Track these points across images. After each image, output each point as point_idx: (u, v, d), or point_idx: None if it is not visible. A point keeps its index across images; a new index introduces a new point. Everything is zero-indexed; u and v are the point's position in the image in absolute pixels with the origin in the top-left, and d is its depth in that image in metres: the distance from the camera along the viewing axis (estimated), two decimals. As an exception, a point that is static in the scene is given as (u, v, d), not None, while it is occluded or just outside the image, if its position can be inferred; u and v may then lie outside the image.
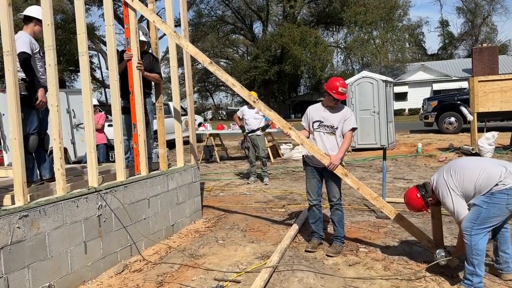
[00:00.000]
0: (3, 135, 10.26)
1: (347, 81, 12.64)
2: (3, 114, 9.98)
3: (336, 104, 4.37)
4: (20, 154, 3.38)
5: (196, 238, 5.02)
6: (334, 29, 40.08)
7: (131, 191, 4.54)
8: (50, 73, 3.74)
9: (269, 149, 11.27)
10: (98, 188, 4.09)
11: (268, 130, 9.55)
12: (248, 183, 8.57)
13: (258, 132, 8.48)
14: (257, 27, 42.52)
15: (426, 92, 33.35)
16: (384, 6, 32.29)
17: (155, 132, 5.68)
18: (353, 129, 4.40)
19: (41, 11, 3.85)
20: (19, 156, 3.37)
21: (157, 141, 5.67)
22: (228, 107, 59.58)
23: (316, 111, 4.49)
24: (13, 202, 3.44)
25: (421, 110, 18.98)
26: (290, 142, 13.23)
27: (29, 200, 3.46)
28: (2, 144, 10.41)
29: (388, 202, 4.78)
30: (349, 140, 4.35)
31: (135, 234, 4.51)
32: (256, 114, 8.34)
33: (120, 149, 4.58)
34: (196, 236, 5.13)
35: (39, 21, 4.28)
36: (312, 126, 4.45)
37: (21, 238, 3.22)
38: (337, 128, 4.35)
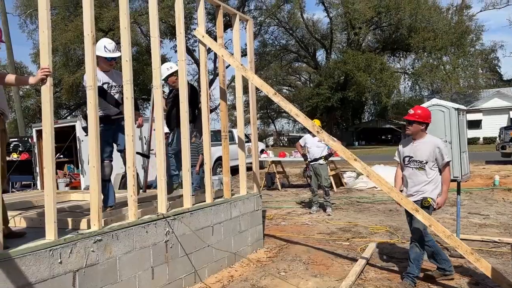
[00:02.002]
0: (81, 159, 11.07)
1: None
2: (82, 140, 10.80)
3: (417, 132, 4.22)
4: (97, 181, 3.61)
5: (258, 268, 4.99)
6: (401, 55, 39.10)
7: (196, 218, 4.66)
8: (127, 106, 4.00)
9: (332, 178, 11.06)
10: (166, 214, 4.25)
11: (331, 158, 9.40)
12: (310, 212, 8.44)
13: (321, 161, 8.38)
14: (320, 55, 42.65)
15: (502, 120, 31.17)
16: (455, 31, 31.07)
17: (219, 158, 5.86)
18: (448, 163, 4.18)
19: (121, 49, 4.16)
20: (96, 183, 3.60)
21: (220, 168, 5.80)
22: (290, 134, 59.71)
23: (406, 145, 4.37)
24: (88, 226, 3.65)
25: (497, 139, 17.73)
26: (354, 171, 12.90)
27: (103, 225, 3.66)
28: (80, 168, 11.23)
29: (463, 239, 4.46)
30: (448, 175, 4.17)
31: (199, 261, 4.59)
32: (318, 143, 8.27)
33: (188, 177, 4.74)
34: (258, 266, 5.11)
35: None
36: (403, 161, 4.36)
37: (94, 262, 3.41)
38: (426, 162, 4.17)
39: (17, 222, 4.07)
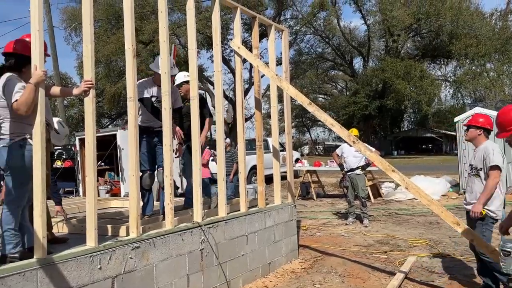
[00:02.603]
0: (121, 167, 11.43)
1: (457, 118, 11.78)
2: (122, 149, 11.15)
3: (475, 138, 4.10)
4: (136, 189, 3.71)
5: (292, 280, 4.95)
6: (442, 62, 37.96)
7: (230, 227, 4.69)
8: (165, 116, 4.11)
9: (369, 188, 10.83)
10: (202, 223, 4.30)
11: (368, 168, 9.22)
12: (346, 223, 8.29)
13: (358, 171, 8.24)
14: (357, 62, 42.05)
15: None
16: (499, 37, 29.84)
17: (254, 166, 5.85)
18: (495, 168, 3.83)
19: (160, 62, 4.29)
20: (135, 192, 3.70)
21: (255, 176, 5.82)
22: (326, 142, 59.10)
23: (472, 154, 4.31)
24: (127, 233, 3.75)
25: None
26: (393, 181, 12.58)
27: (141, 232, 3.75)
28: (120, 175, 11.59)
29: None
30: (491, 183, 3.82)
31: (233, 270, 4.61)
32: (356, 152, 8.14)
33: (223, 186, 4.79)
34: (292, 277, 5.06)
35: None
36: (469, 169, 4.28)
37: (132, 268, 3.50)
38: (480, 169, 4.00)
39: (60, 228, 4.25)
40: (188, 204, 4.91)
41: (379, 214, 9.25)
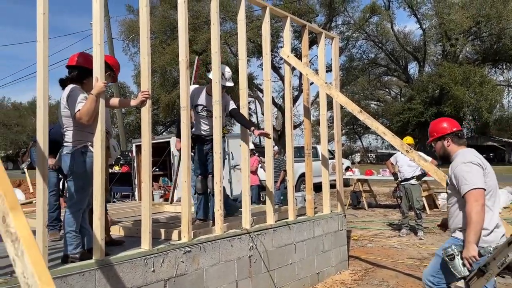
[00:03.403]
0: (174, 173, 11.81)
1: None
2: (176, 155, 11.52)
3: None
4: (188, 195, 3.84)
5: (342, 290, 4.86)
6: (504, 67, 35.81)
7: (279, 235, 4.70)
8: (216, 124, 4.22)
9: (424, 199, 10.40)
10: (250, 229, 4.36)
11: (424, 178, 8.86)
12: (399, 235, 8.01)
13: (413, 181, 7.95)
14: (412, 68, 40.68)
15: None
16: None
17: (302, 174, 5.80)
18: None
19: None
20: (187, 197, 3.83)
21: (304, 184, 5.79)
22: (378, 150, 57.47)
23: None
24: (179, 238, 3.87)
25: None
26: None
27: (192, 237, 3.86)
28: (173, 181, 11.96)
29: None
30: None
31: (281, 278, 4.61)
32: (410, 161, 7.85)
33: (272, 193, 4.82)
34: (342, 288, 4.98)
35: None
36: None
37: (183, 272, 3.61)
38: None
39: (117, 231, 4.47)
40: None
41: (434, 227, 8.84)
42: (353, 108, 4.71)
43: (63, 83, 3.43)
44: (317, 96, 27.73)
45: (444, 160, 3.20)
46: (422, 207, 9.08)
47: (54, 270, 2.83)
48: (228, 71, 4.66)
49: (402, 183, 8.05)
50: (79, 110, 3.19)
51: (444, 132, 3.12)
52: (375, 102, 48.97)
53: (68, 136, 3.31)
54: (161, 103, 29.83)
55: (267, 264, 4.44)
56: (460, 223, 2.93)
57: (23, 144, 48.17)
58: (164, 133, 33.81)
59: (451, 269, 2.82)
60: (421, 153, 6.67)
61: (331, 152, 12.18)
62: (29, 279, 1.26)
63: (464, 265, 2.76)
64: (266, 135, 4.61)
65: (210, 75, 4.79)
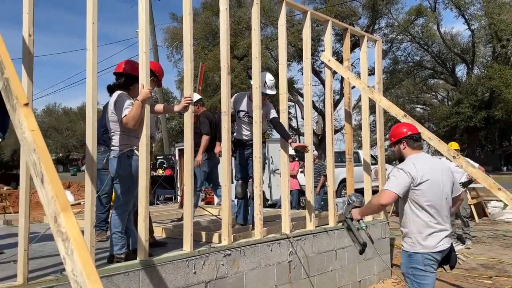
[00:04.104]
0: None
1: None
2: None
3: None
4: (228, 199, 3.89)
5: (384, 299, 4.74)
6: (562, 68, 33.62)
7: (319, 241, 4.65)
8: (256, 129, 4.25)
9: (472, 207, 9.93)
10: (290, 234, 4.34)
11: (472, 185, 8.46)
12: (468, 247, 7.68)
13: (459, 188, 7.61)
14: (460, 70, 38.98)
15: None
16: None
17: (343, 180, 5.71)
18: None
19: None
20: (227, 201, 3.88)
21: (345, 190, 5.71)
22: (424, 156, 55.51)
23: None
24: (219, 241, 3.93)
25: None
26: (501, 200, 11.39)
27: (232, 240, 3.90)
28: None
29: None
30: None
31: (322, 285, 4.56)
32: (456, 167, 7.53)
33: (311, 198, 4.78)
34: (384, 297, 4.84)
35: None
36: None
37: (224, 275, 3.65)
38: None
39: (160, 232, 4.59)
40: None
41: (483, 236, 8.43)
42: (397, 112, 4.60)
43: (111, 89, 3.59)
44: (359, 100, 27.27)
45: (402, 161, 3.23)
46: (470, 215, 8.67)
47: (101, 270, 2.95)
48: (270, 79, 4.67)
49: (448, 190, 7.72)
50: (125, 115, 3.32)
51: (400, 135, 3.21)
52: (421, 106, 47.38)
53: (115, 140, 3.45)
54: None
55: (307, 270, 4.40)
56: (403, 224, 3.14)
57: (73, 147, 50.55)
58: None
59: (344, 210, 3.43)
60: (469, 160, 6.39)
61: (374, 158, 11.91)
62: (78, 277, 1.32)
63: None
64: (304, 148, 4.60)
65: (252, 81, 4.83)
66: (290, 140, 4.54)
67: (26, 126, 1.61)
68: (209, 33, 28.10)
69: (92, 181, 3.04)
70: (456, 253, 3.14)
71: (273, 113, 4.69)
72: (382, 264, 5.55)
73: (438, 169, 3.03)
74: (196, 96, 5.39)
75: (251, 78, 4.57)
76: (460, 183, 7.55)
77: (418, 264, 2.95)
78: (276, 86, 4.75)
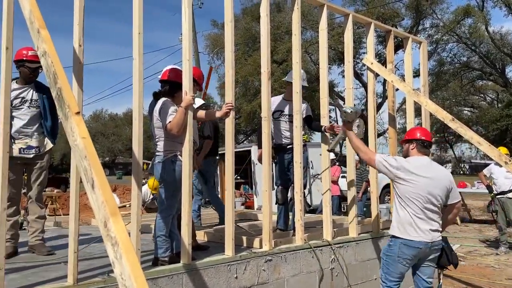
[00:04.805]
0: (255, 181, 12.02)
1: None
2: (256, 164, 11.73)
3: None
4: (269, 204, 3.88)
5: (431, 311, 4.54)
6: None
7: (362, 248, 4.55)
8: (297, 134, 4.22)
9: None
10: (332, 241, 4.27)
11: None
12: (497, 253, 7.31)
13: (510, 195, 7.23)
14: (511, 71, 37.12)
15: None
16: None
17: (387, 185, 5.53)
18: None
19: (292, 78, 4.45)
20: (268, 207, 3.87)
21: (388, 196, 5.54)
22: (472, 160, 53.09)
23: None
24: (260, 246, 3.92)
25: None
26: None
27: (273, 246, 3.89)
28: (254, 189, 12.19)
29: None
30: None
31: (364, 293, 4.45)
32: (507, 173, 7.16)
33: (354, 204, 4.69)
34: (431, 308, 4.65)
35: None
36: None
37: (265, 280, 3.64)
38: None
39: (201, 236, 4.65)
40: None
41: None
42: (444, 116, 4.43)
43: (157, 96, 3.70)
44: (403, 103, 26.56)
45: None
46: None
47: (146, 272, 3.02)
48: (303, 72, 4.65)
49: (498, 197, 7.38)
50: (170, 121, 3.40)
51: (413, 137, 3.60)
52: (468, 109, 45.42)
53: (160, 146, 3.54)
54: (243, 113, 30.63)
55: (349, 278, 4.31)
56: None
57: (118, 151, 52.36)
58: (245, 142, 34.59)
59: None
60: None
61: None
62: (126, 281, 1.36)
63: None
64: (334, 129, 4.49)
65: (286, 78, 4.79)
66: (323, 127, 4.56)
67: (77, 134, 1.69)
68: (249, 39, 28.33)
69: (138, 185, 3.13)
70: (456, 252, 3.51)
71: (307, 112, 4.75)
72: (429, 273, 5.34)
73: (430, 173, 3.36)
74: (199, 101, 5.45)
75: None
76: (510, 189, 7.19)
77: (389, 251, 3.45)
78: (317, 88, 4.74)
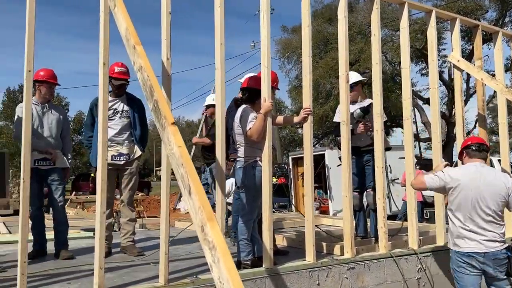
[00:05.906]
0: (329, 186, 11.82)
1: None
2: (330, 168, 11.53)
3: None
4: (349, 210, 3.78)
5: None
6: None
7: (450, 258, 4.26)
8: (378, 138, 4.08)
9: None
10: (418, 250, 4.06)
11: None
12: None
13: None
14: None
15: None
16: None
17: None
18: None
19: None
20: (349, 213, 3.78)
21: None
22: None
23: None
24: (341, 253, 3.84)
25: None
26: None
27: (355, 254, 3.78)
28: (328, 193, 11.99)
29: None
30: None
31: (455, 306, 4.16)
32: None
33: (441, 211, 4.42)
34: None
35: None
36: None
37: (348, 288, 3.56)
38: None
39: (280, 241, 4.67)
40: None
41: None
42: (543, 115, 4.03)
43: (237, 103, 3.80)
44: (489, 101, 24.60)
45: None
46: None
47: (231, 275, 3.10)
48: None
49: None
50: (250, 128, 3.47)
51: (463, 145, 3.55)
52: None
53: (241, 152, 3.62)
54: (315, 116, 30.32)
55: (438, 288, 4.07)
56: None
57: (194, 157, 54.62)
58: (317, 146, 34.20)
59: None
60: None
61: None
62: (224, 284, 1.40)
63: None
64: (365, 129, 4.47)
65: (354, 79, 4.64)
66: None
67: (174, 143, 1.78)
68: (320, 41, 28.04)
69: (222, 190, 3.23)
70: None
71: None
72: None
73: (478, 180, 3.20)
74: (211, 101, 5.45)
75: None
76: None
77: (453, 263, 3.31)
78: (392, 88, 4.60)
